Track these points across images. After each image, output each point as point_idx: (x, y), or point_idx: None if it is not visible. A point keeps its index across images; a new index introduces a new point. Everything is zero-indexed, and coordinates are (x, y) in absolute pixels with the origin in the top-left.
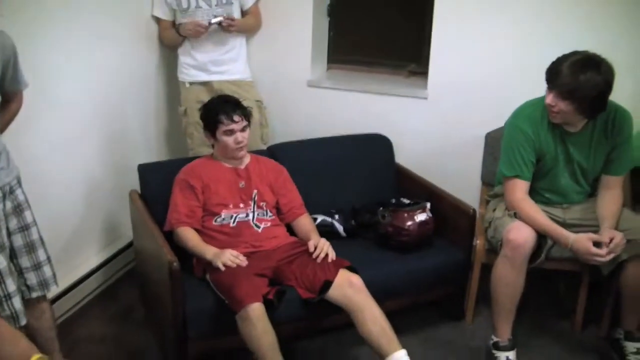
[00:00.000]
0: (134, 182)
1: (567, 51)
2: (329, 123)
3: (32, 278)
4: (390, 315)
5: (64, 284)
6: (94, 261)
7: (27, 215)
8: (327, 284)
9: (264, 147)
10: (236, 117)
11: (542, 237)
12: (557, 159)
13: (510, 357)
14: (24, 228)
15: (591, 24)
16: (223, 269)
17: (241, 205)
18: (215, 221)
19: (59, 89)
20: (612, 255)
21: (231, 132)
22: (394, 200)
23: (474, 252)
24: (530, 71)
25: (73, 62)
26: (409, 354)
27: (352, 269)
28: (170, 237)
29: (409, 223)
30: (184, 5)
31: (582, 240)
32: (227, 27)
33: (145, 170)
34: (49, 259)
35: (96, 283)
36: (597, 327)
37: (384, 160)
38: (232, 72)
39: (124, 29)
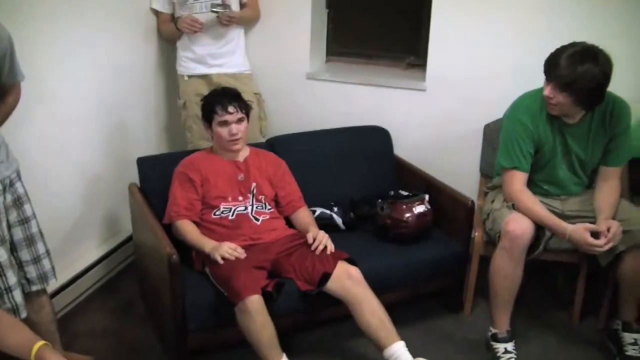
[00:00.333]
0: (134, 176)
1: (565, 42)
2: (327, 115)
3: (31, 271)
4: (389, 307)
5: (64, 277)
6: (93, 255)
7: (27, 209)
8: (326, 276)
9: (263, 140)
10: (231, 109)
11: (540, 228)
12: (555, 151)
13: (508, 349)
14: (24, 221)
15: (590, 15)
16: (221, 261)
17: (240, 198)
18: (215, 214)
19: (57, 82)
20: (610, 245)
21: (225, 123)
22: (392, 193)
23: (473, 244)
24: (529, 63)
25: (72, 55)
26: (408, 345)
27: (350, 261)
28: (170, 230)
29: (408, 215)
30: None
31: (579, 231)
32: (225, 22)
33: (144, 164)
34: (48, 252)
35: (96, 277)
36: (595, 318)
37: (382, 153)
38: (231, 65)
39: (123, 22)
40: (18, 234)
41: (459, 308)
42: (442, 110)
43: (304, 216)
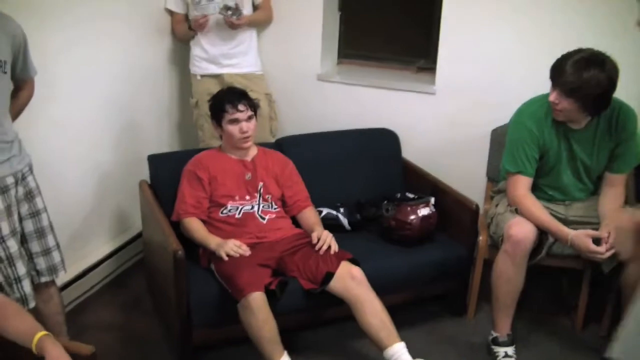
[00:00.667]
0: (146, 173)
1: (573, 49)
2: (337, 117)
3: (41, 263)
4: (393, 309)
5: (74, 271)
6: (104, 250)
7: (38, 202)
8: (329, 276)
9: (273, 140)
10: (241, 107)
11: (543, 233)
12: (560, 156)
13: (509, 353)
14: (35, 214)
15: (597, 22)
16: (226, 258)
17: (247, 197)
18: (222, 212)
19: (70, 78)
20: (611, 252)
21: (236, 121)
22: (399, 195)
23: (477, 248)
24: (536, 68)
25: (85, 52)
26: (410, 347)
27: (354, 261)
28: (178, 227)
29: (412, 217)
30: None
31: (580, 237)
32: (232, 25)
33: (154, 161)
34: (57, 245)
35: (106, 272)
36: (599, 325)
37: (390, 155)
38: (243, 65)
39: (137, 21)
40: (29, 226)
41: (462, 311)
42: (451, 114)
43: (310, 216)
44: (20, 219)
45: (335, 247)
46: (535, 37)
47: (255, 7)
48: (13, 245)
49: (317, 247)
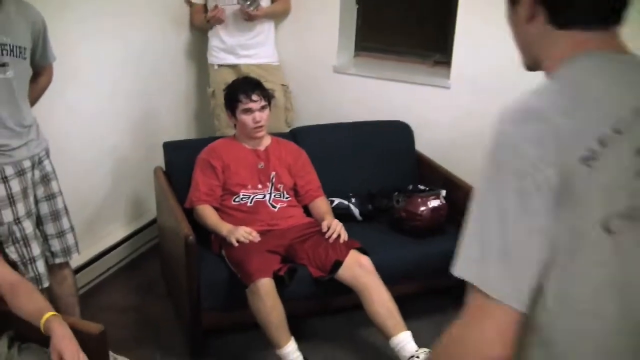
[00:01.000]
0: (162, 160)
1: None
2: (353, 108)
3: (55, 245)
4: (401, 299)
5: (89, 254)
6: (119, 234)
7: (54, 185)
8: (338, 264)
9: (288, 130)
10: (255, 97)
11: None
12: None
13: None
14: (50, 197)
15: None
16: (236, 244)
17: (259, 186)
18: (234, 200)
19: (89, 64)
20: None
21: (250, 111)
22: (410, 187)
23: None
24: None
25: (105, 38)
26: (417, 337)
27: (362, 250)
28: (191, 214)
29: (422, 208)
30: None
31: None
32: (245, 17)
33: (170, 148)
34: (72, 227)
35: (121, 255)
36: None
37: (404, 147)
38: (260, 56)
39: (157, 10)
40: (44, 208)
41: None
42: (465, 108)
43: (321, 205)
44: (36, 202)
45: (344, 236)
46: None
47: (273, 0)
48: (28, 226)
49: (326, 236)
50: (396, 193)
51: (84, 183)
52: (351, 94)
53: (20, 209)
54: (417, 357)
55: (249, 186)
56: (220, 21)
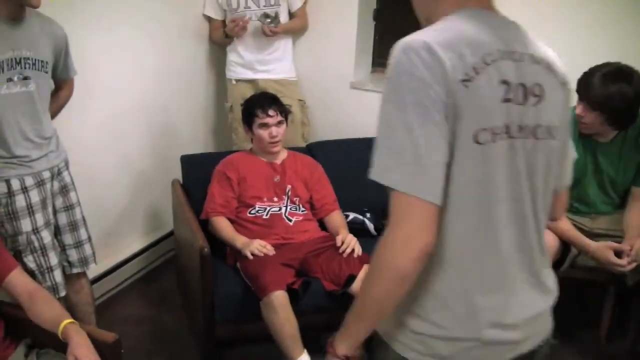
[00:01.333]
0: (179, 173)
1: (601, 61)
2: (369, 124)
3: (73, 255)
4: None
5: (106, 264)
6: (136, 245)
7: (72, 196)
8: (352, 278)
9: (304, 145)
10: (271, 112)
11: (566, 245)
12: (585, 169)
13: None
14: (69, 207)
15: (626, 35)
16: (251, 257)
17: (275, 199)
18: (250, 213)
19: (109, 79)
20: (633, 265)
21: (266, 126)
22: None
23: None
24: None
25: (125, 54)
26: None
27: None
28: (207, 226)
29: None
30: (234, 5)
31: (602, 249)
32: (267, 33)
33: (187, 161)
34: (89, 238)
35: (137, 267)
36: (624, 339)
37: None
38: (278, 71)
39: (176, 25)
40: (62, 219)
41: None
42: None
43: (336, 219)
44: (55, 212)
45: (358, 251)
46: (565, 50)
47: (291, 15)
48: (47, 236)
49: (341, 250)
50: None
51: (102, 194)
52: (367, 109)
53: (39, 219)
54: None
55: (265, 199)
56: (242, 32)
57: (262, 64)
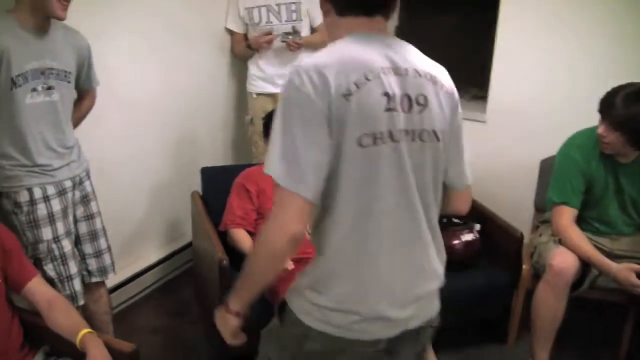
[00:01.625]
0: (199, 184)
1: (623, 82)
2: None
3: (92, 264)
4: None
5: (125, 274)
6: (155, 256)
7: (93, 206)
8: None
9: None
10: None
11: (586, 265)
12: (606, 189)
13: None
14: (89, 217)
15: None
16: None
17: None
18: None
19: (131, 89)
20: None
21: None
22: (445, 220)
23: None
24: (588, 100)
25: (146, 64)
26: None
27: None
28: (225, 238)
29: (455, 242)
30: (256, 19)
31: (623, 270)
32: (292, 48)
33: (207, 173)
34: (109, 248)
35: (155, 277)
36: None
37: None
38: None
39: (198, 37)
40: (83, 228)
41: (503, 339)
42: (501, 143)
43: None
44: (75, 221)
45: None
46: (587, 69)
47: (312, 31)
48: (67, 245)
49: None
50: None
51: (123, 205)
52: None
53: (60, 227)
54: None
55: None
56: (268, 46)
57: (282, 78)
